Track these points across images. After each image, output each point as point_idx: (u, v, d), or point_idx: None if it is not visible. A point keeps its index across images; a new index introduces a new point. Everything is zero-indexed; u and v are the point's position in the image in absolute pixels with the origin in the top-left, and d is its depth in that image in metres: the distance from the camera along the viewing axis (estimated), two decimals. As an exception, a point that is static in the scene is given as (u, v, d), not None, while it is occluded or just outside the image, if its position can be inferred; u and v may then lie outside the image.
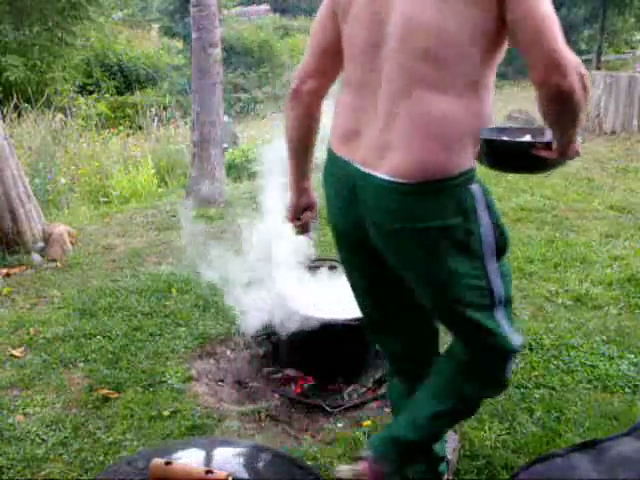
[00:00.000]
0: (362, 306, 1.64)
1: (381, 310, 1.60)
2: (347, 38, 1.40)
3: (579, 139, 1.38)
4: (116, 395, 2.27)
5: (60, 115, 7.92)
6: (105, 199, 6.01)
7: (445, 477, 1.75)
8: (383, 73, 1.32)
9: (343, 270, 1.62)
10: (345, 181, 1.42)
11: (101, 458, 1.94)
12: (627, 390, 2.21)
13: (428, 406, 1.51)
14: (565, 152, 1.34)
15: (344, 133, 1.43)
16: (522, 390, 2.23)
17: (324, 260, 2.65)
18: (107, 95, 13.93)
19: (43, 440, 2.04)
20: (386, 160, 1.32)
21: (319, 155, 1.62)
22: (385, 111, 1.32)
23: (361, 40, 1.36)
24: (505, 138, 1.42)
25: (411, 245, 1.35)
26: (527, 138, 1.54)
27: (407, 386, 1.65)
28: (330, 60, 1.48)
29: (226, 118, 7.90)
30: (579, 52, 20.89)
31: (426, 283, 1.42)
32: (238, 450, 1.24)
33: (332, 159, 1.47)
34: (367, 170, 1.35)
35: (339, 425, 2.11)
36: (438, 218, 1.32)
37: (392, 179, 1.30)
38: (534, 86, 1.24)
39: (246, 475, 1.08)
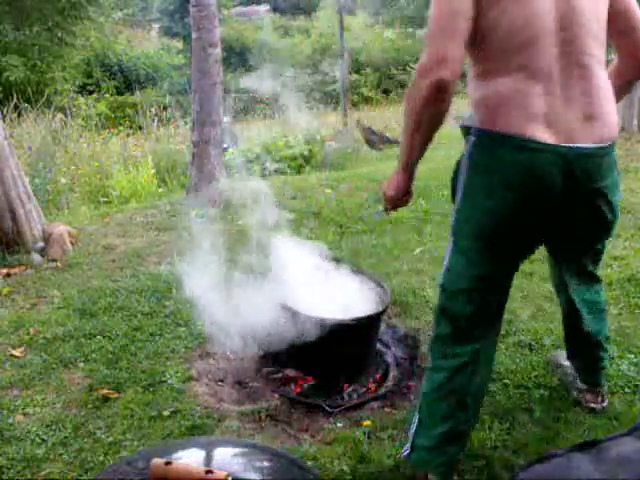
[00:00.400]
0: (496, 279, 1.68)
1: (510, 277, 1.73)
2: (509, 24, 1.46)
3: None
4: (116, 395, 2.27)
5: (60, 115, 7.93)
6: (105, 199, 6.01)
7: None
8: (568, 57, 1.49)
9: (489, 250, 1.63)
10: (542, 163, 1.49)
11: (101, 458, 1.94)
12: (627, 390, 2.21)
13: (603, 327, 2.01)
14: None
15: (536, 117, 1.48)
16: (522, 390, 2.23)
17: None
18: (107, 95, 13.93)
19: (43, 440, 2.04)
20: (590, 131, 1.53)
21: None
22: (582, 90, 1.52)
23: (536, 27, 1.46)
24: None
25: (605, 196, 1.65)
26: None
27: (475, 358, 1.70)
28: (464, 45, 1.46)
29: (226, 118, 7.90)
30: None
31: (604, 226, 1.76)
32: (238, 450, 1.23)
33: (514, 144, 1.49)
34: (576, 145, 1.51)
35: (339, 425, 2.11)
36: (616, 167, 1.68)
37: (599, 145, 1.55)
38: (634, 63, 1.69)
39: (246, 475, 1.08)
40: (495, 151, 1.53)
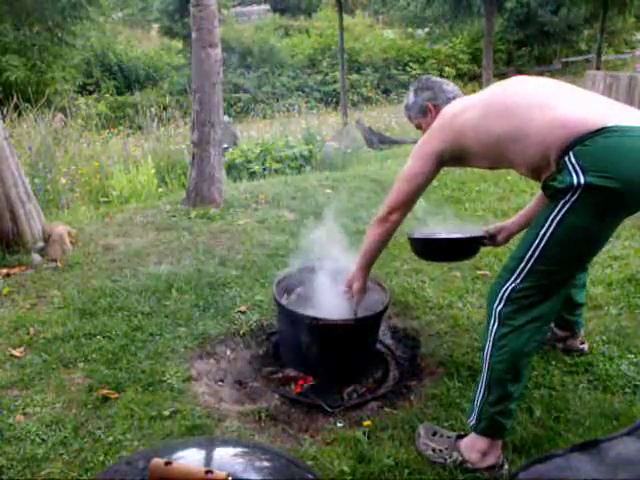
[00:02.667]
0: (592, 255, 1.84)
1: None
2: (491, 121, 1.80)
3: None
4: (116, 395, 2.27)
5: (60, 115, 7.93)
6: (105, 199, 6.00)
7: None
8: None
9: (600, 234, 1.72)
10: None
11: (101, 458, 1.94)
12: (627, 390, 2.21)
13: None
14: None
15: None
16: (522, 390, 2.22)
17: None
18: (107, 95, 13.96)
19: (43, 440, 2.04)
20: None
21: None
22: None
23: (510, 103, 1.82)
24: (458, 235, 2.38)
25: None
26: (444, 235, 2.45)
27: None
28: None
29: (226, 118, 7.91)
30: (579, 52, 20.91)
31: None
32: (238, 450, 1.23)
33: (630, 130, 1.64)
34: None
35: (339, 425, 2.11)
36: None
37: None
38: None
39: (246, 475, 1.08)
40: (620, 139, 1.62)
